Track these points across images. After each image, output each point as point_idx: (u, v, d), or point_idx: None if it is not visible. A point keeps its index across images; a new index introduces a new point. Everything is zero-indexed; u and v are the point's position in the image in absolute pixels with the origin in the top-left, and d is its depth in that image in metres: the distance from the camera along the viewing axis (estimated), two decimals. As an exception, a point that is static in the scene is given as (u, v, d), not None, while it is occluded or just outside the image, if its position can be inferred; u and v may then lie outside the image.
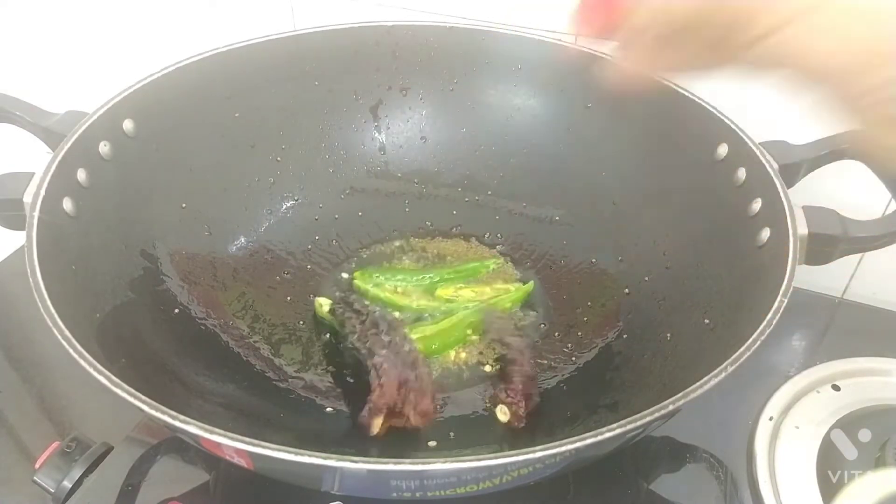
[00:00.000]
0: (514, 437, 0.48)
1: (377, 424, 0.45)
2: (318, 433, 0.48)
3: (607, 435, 0.32)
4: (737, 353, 0.35)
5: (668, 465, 0.50)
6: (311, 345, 0.55)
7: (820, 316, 0.66)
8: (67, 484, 0.46)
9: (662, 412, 0.33)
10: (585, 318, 0.57)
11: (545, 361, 0.54)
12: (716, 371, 0.34)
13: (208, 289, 0.56)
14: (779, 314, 0.38)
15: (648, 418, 0.33)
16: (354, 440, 0.48)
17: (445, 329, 0.55)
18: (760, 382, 0.56)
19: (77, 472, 0.46)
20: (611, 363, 0.52)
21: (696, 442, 0.52)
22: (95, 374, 0.34)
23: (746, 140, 0.51)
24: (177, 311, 0.52)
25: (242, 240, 0.62)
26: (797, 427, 0.52)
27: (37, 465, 0.47)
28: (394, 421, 0.46)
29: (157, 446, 0.49)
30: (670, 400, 0.33)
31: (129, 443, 0.49)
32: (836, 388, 0.56)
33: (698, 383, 0.34)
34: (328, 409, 0.50)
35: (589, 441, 0.32)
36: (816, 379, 0.56)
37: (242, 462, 0.35)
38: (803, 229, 0.45)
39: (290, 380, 0.52)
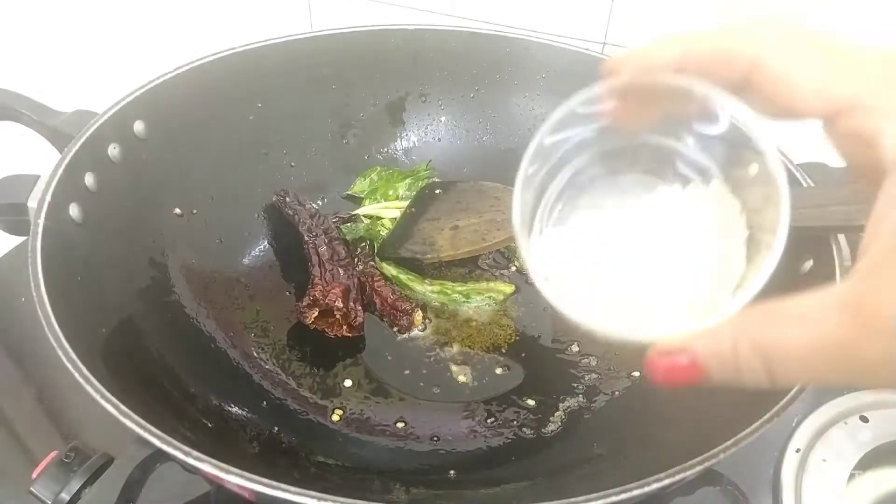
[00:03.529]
0: (529, 458, 0.47)
1: (311, 316, 0.52)
2: (328, 462, 0.46)
3: (637, 491, 0.30)
4: (787, 397, 0.34)
5: (687, 489, 0.48)
6: (325, 361, 0.53)
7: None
8: (65, 496, 0.44)
9: (702, 466, 0.31)
10: (617, 350, 0.55)
11: (578, 385, 0.52)
12: (766, 416, 0.33)
13: (219, 301, 0.54)
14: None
15: (688, 472, 0.31)
16: (366, 462, 0.46)
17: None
18: (787, 412, 0.54)
19: (76, 484, 0.45)
20: (642, 394, 0.50)
21: (719, 469, 0.50)
22: (104, 402, 0.33)
23: (784, 160, 0.49)
24: (185, 324, 0.51)
25: (254, 248, 0.60)
26: (824, 460, 0.51)
27: (34, 475, 0.45)
28: (324, 322, 0.53)
29: (157, 458, 0.48)
30: (716, 450, 0.31)
31: (129, 455, 0.47)
32: (864, 419, 0.54)
33: (746, 431, 0.32)
34: (339, 438, 0.48)
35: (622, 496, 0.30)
36: (844, 410, 0.55)
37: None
38: (847, 258, 0.43)
39: (302, 400, 0.50)
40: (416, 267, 0.59)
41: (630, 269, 0.28)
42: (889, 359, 0.20)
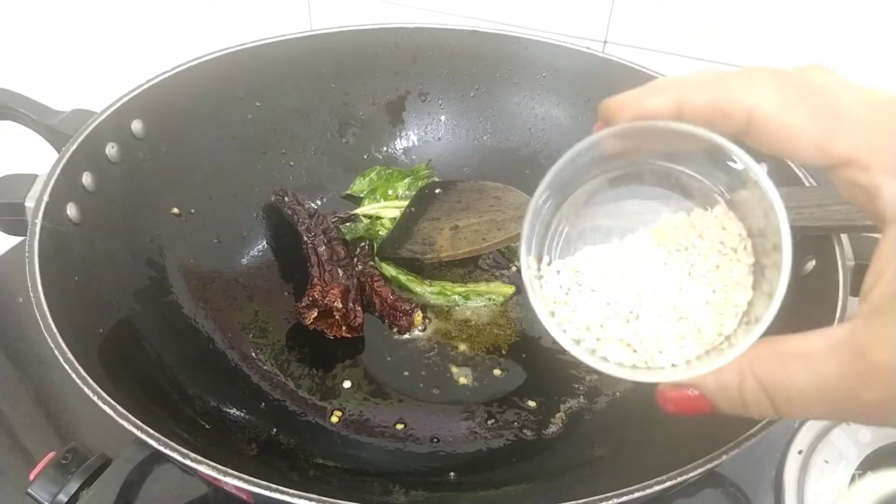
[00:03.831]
0: (530, 459, 0.46)
1: (311, 317, 0.52)
2: (327, 464, 0.45)
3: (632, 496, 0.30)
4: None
5: (689, 491, 0.48)
6: (324, 362, 0.53)
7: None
8: (63, 497, 0.44)
9: (704, 468, 0.31)
10: None
11: (579, 386, 0.52)
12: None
13: (217, 301, 0.54)
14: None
15: (691, 473, 0.31)
16: (366, 464, 0.46)
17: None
18: (789, 413, 0.54)
19: (73, 486, 0.44)
20: (643, 395, 0.50)
21: (721, 470, 0.50)
22: (101, 403, 0.32)
23: (787, 161, 0.49)
24: (183, 325, 0.50)
25: (253, 248, 0.60)
26: (826, 462, 0.50)
27: (31, 477, 0.45)
28: (323, 323, 0.53)
29: (155, 459, 0.47)
30: (718, 452, 0.31)
31: (127, 456, 0.47)
32: (866, 420, 0.54)
33: (748, 433, 0.32)
34: (338, 440, 0.48)
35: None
36: (846, 410, 0.54)
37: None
38: (850, 257, 0.42)
39: (301, 401, 0.50)
40: (416, 267, 0.59)
41: (637, 302, 0.29)
42: (886, 402, 0.21)
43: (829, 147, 0.23)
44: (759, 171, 0.25)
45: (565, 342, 0.28)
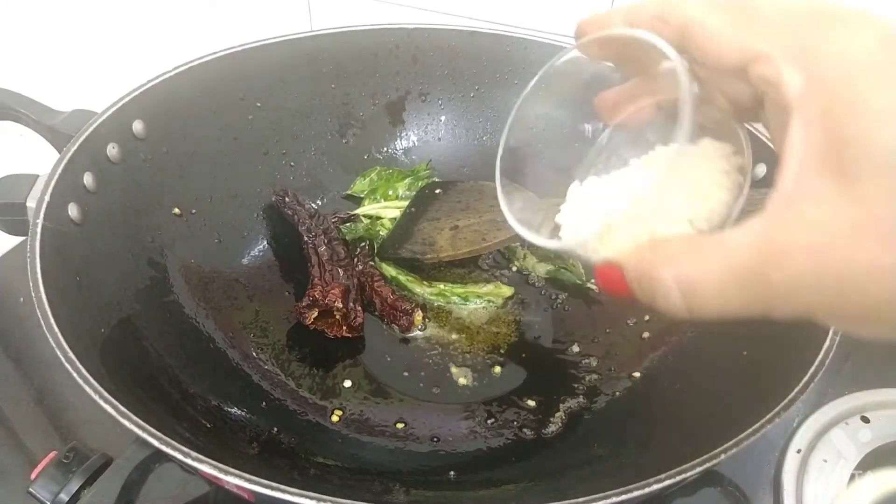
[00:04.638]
0: (529, 459, 0.46)
1: (311, 316, 0.52)
2: (328, 463, 0.46)
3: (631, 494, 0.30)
4: (788, 398, 0.33)
5: (688, 490, 0.48)
6: (324, 362, 0.53)
7: (849, 344, 0.64)
8: (64, 497, 0.44)
9: (703, 466, 0.31)
10: (618, 351, 0.54)
11: (579, 386, 0.52)
12: (768, 417, 0.32)
13: (218, 301, 0.54)
14: (830, 354, 0.36)
15: (689, 472, 0.31)
16: (366, 463, 0.46)
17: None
18: (788, 413, 0.54)
19: (75, 485, 0.44)
20: (642, 395, 0.50)
21: (720, 469, 0.50)
22: (102, 402, 0.32)
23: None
24: (184, 325, 0.50)
25: (254, 248, 0.60)
26: (825, 461, 0.50)
27: (32, 476, 0.45)
28: (324, 323, 0.53)
29: (156, 458, 0.48)
30: (717, 451, 0.31)
31: (128, 455, 0.47)
32: (865, 419, 0.54)
33: (747, 432, 0.32)
34: (339, 439, 0.48)
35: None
36: (845, 410, 0.54)
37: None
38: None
39: (301, 400, 0.50)
40: (416, 267, 0.59)
41: (621, 208, 0.30)
42: (793, 278, 0.23)
43: (745, 46, 0.26)
44: (670, 50, 0.27)
45: (516, 225, 0.32)
